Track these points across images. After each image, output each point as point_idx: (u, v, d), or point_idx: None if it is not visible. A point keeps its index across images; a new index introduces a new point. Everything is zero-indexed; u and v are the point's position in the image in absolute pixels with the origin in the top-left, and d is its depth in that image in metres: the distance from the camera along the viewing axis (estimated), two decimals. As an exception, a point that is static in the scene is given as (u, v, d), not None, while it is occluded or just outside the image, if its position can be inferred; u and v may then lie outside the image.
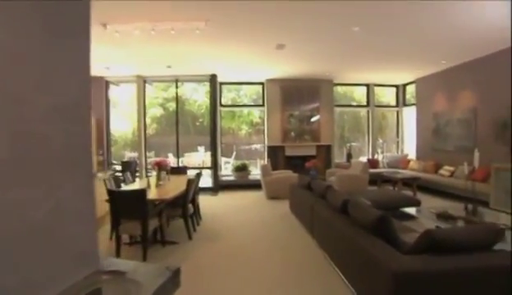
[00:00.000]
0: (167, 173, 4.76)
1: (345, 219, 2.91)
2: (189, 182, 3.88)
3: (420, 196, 6.39)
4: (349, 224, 2.76)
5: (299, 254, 3.46)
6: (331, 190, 3.54)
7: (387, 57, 6.30)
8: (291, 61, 6.51)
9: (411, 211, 4.09)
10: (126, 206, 3.23)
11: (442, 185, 6.41)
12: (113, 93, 8.82)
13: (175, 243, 3.80)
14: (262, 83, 8.58)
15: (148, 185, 4.03)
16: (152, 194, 3.58)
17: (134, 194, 3.22)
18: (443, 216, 3.63)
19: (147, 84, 8.04)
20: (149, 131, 11.31)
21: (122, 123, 10.64)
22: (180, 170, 5.67)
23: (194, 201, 4.51)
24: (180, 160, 10.93)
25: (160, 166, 4.32)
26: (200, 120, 11.03)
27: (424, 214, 3.86)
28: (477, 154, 3.80)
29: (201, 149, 10.67)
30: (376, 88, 9.02)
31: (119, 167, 7.89)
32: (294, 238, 4.02)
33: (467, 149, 6.45)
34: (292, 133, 8.33)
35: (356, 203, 2.81)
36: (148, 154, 11.12)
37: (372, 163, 8.15)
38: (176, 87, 7.93)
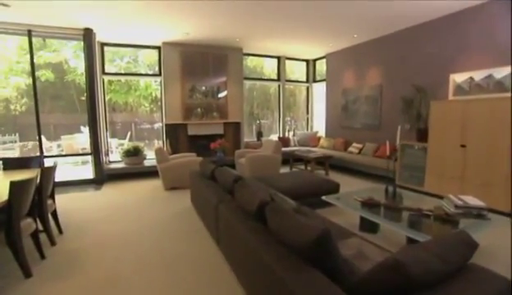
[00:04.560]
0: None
1: (262, 231, 2.00)
2: (16, 185, 2.34)
3: (332, 174, 6.18)
4: (268, 240, 1.86)
5: (198, 281, 2.45)
6: (242, 185, 2.59)
7: (301, 27, 5.65)
8: (191, 18, 5.18)
9: (331, 198, 3.52)
10: None
11: (352, 163, 6.31)
12: None
13: (-8, 290, 2.29)
14: (158, 48, 6.99)
15: None
16: None
17: None
18: (368, 205, 3.15)
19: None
20: (17, 107, 8.53)
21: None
22: (25, 163, 3.78)
23: (44, 211, 2.98)
24: (57, 144, 8.61)
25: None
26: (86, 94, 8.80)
27: (347, 202, 3.33)
28: (399, 131, 3.43)
29: (86, 130, 8.52)
30: (287, 62, 8.48)
31: None
32: (194, 250, 2.97)
33: (373, 126, 6.49)
34: (199, 110, 7.11)
35: (278, 209, 1.92)
36: (9, 138, 8.42)
37: (284, 141, 7.70)
38: (30, 42, 5.64)
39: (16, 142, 8.08)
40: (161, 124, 7.53)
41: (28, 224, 2.64)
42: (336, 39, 6.61)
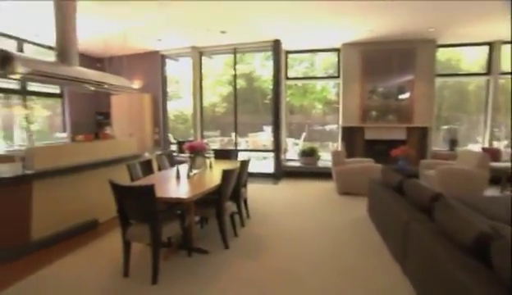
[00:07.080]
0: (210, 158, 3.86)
1: (483, 273, 1.49)
2: (226, 174, 2.86)
3: None
4: (497, 290, 1.35)
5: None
6: (446, 205, 2.07)
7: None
8: (377, 11, 4.77)
9: None
10: (133, 205, 2.42)
11: None
12: (174, 68, 8.30)
13: (205, 253, 2.89)
14: (337, 50, 6.97)
15: (178, 176, 3.17)
16: (163, 191, 2.66)
17: (139, 191, 2.35)
18: None
19: (206, 58, 7.29)
20: (219, 109, 10.94)
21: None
22: (227, 154, 4.68)
23: (239, 197, 3.52)
24: (245, 140, 10.27)
25: (194, 151, 3.39)
26: (269, 97, 10.12)
27: None
28: None
29: (267, 129, 9.74)
30: (503, 48, 6.40)
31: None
32: (371, 266, 2.67)
33: None
34: (373, 113, 6.59)
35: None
36: (213, 133, 10.69)
37: (491, 153, 5.90)
38: (235, 58, 6.94)
39: (217, 137, 10.25)
40: (334, 127, 7.50)
41: (229, 206, 3.19)
42: None
